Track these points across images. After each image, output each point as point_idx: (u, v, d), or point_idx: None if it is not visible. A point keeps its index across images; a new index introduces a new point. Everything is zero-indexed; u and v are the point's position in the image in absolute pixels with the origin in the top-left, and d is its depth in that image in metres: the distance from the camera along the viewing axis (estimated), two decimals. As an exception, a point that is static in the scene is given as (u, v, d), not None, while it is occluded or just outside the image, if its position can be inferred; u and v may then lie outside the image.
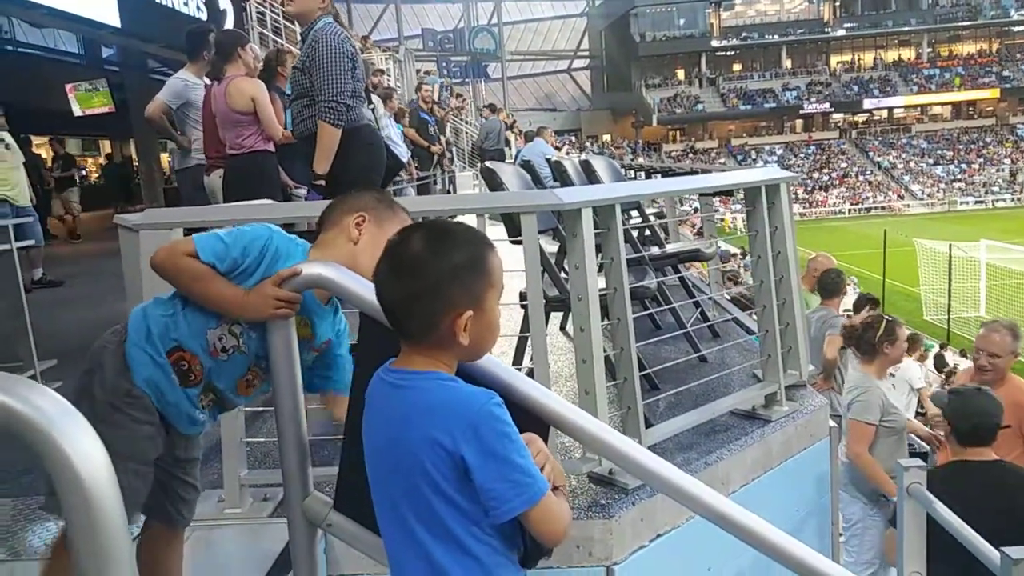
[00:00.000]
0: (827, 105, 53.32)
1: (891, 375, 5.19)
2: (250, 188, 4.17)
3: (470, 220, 2.23)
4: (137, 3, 8.58)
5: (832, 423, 3.55)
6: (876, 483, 4.04)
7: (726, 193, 4.83)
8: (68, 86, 12.54)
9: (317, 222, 1.74)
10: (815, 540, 3.31)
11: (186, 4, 9.38)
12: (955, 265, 20.30)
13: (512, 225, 2.78)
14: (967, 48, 55.69)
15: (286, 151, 4.63)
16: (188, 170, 5.32)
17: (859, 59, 56.13)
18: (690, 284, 4.72)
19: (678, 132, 57.18)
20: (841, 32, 55.18)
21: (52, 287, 6.84)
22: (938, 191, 47.80)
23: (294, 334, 1.60)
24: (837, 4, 55.45)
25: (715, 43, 55.71)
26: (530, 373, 2.49)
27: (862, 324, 4.42)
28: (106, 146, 21.95)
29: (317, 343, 1.71)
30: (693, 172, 6.37)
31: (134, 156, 15.88)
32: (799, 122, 55.76)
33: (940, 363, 14.12)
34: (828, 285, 5.58)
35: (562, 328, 4.37)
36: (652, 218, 5.32)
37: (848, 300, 7.18)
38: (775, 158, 51.23)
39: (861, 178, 49.91)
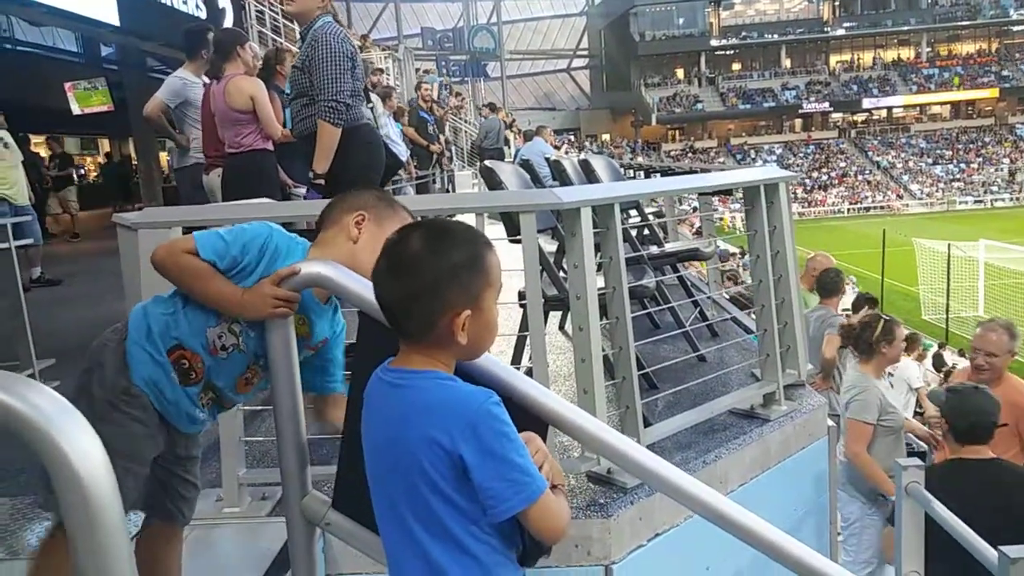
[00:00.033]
0: (826, 104, 53.37)
1: (889, 375, 5.20)
2: (249, 187, 4.16)
3: (469, 219, 2.24)
4: (136, 1, 8.56)
5: (831, 422, 3.56)
6: (874, 482, 4.05)
7: (725, 192, 4.83)
8: (67, 85, 12.54)
9: (317, 221, 1.74)
10: (813, 539, 3.31)
11: (185, 2, 9.37)
12: (954, 265, 20.31)
13: (511, 224, 2.79)
14: (966, 48, 55.73)
15: (285, 150, 4.63)
16: (186, 169, 5.32)
17: (858, 59, 56.16)
18: (689, 283, 4.72)
19: (677, 131, 57.19)
20: (840, 32, 55.21)
21: (50, 286, 6.83)
22: (937, 191, 47.83)
23: (293, 333, 1.60)
24: (836, 3, 55.49)
25: (714, 42, 55.73)
26: (529, 372, 2.49)
27: (860, 324, 4.42)
28: (105, 145, 21.92)
29: (313, 341, 1.71)
30: (692, 171, 6.37)
31: (133, 155, 15.86)
32: (798, 121, 55.80)
33: (939, 363, 14.12)
34: (827, 284, 5.58)
35: (561, 327, 4.37)
36: (651, 217, 5.33)
37: (847, 300, 7.19)
38: (774, 157, 51.25)
39: (860, 177, 49.94)
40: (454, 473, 1.18)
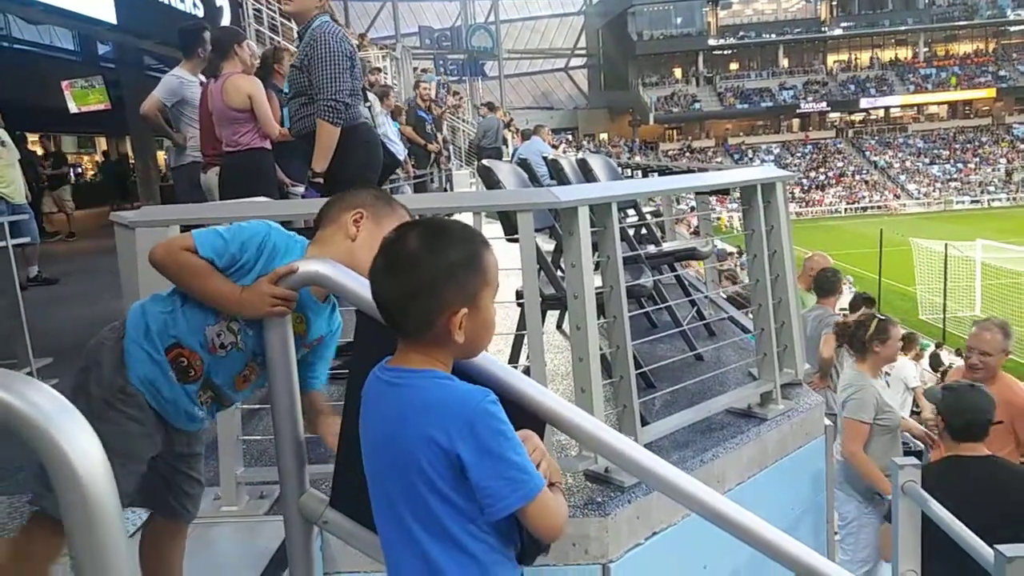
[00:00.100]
0: (824, 104, 53.43)
1: (887, 374, 5.20)
2: (247, 185, 4.16)
3: (467, 218, 2.24)
4: (133, 0, 8.56)
5: (828, 422, 3.56)
6: (871, 481, 4.06)
7: (722, 192, 4.84)
8: (64, 83, 12.52)
9: (315, 219, 1.74)
10: (810, 538, 3.31)
11: (182, 1, 9.35)
12: (951, 264, 20.32)
13: (509, 223, 2.79)
14: (963, 48, 55.83)
15: (283, 149, 4.63)
16: (184, 167, 5.32)
17: (856, 58, 56.24)
18: (686, 283, 4.73)
19: (675, 131, 57.24)
20: (838, 31, 55.28)
21: (47, 285, 6.82)
22: (934, 190, 47.91)
23: (291, 332, 1.60)
24: (834, 3, 55.57)
25: (712, 42, 55.77)
26: (527, 371, 2.49)
27: (854, 322, 4.44)
28: (102, 143, 21.91)
29: (309, 339, 1.72)
30: (689, 171, 6.37)
31: (130, 153, 15.84)
32: (796, 121, 55.86)
33: (936, 362, 14.14)
34: (824, 284, 5.59)
35: (558, 326, 4.38)
36: (649, 217, 5.33)
37: (844, 299, 7.20)
38: (772, 157, 51.30)
39: (857, 177, 50.00)
40: (452, 472, 1.19)
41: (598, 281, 2.62)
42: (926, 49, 55.42)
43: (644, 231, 4.80)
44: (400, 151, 8.55)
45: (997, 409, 3.29)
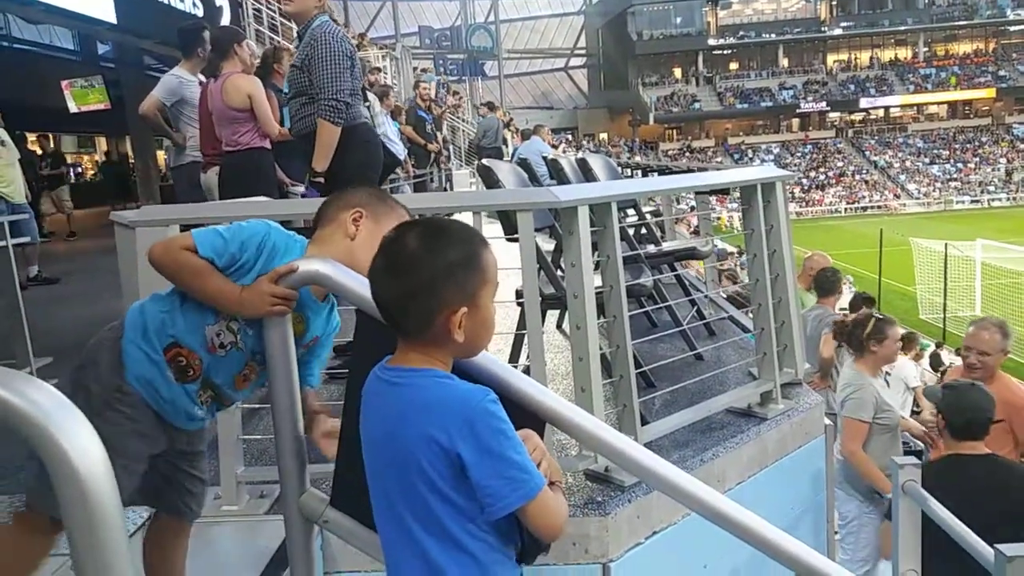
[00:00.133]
0: (824, 104, 53.44)
1: (887, 374, 5.20)
2: (246, 185, 4.16)
3: (467, 218, 2.24)
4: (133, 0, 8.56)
5: (828, 421, 3.56)
6: (870, 480, 4.06)
7: (722, 192, 4.84)
8: (64, 82, 12.52)
9: (314, 219, 1.74)
10: (810, 537, 3.32)
11: (182, 0, 9.36)
12: (951, 264, 20.32)
13: (508, 223, 2.79)
14: (963, 47, 55.83)
15: (283, 148, 4.63)
16: (183, 167, 5.32)
17: (855, 58, 56.25)
18: (686, 282, 4.73)
19: (675, 131, 57.24)
20: (838, 31, 55.28)
21: (48, 284, 6.82)
22: (934, 190, 47.92)
23: (291, 331, 1.60)
24: (834, 3, 55.57)
25: (712, 42, 55.77)
26: (527, 370, 2.49)
27: (852, 321, 4.45)
28: (102, 143, 21.91)
29: (307, 339, 1.71)
30: (689, 171, 6.37)
31: (130, 153, 15.84)
32: (796, 121, 55.87)
33: (936, 362, 14.14)
34: (824, 284, 5.60)
35: (558, 326, 4.38)
36: (649, 216, 5.33)
37: (844, 299, 7.20)
38: (772, 157, 51.30)
39: (857, 177, 50.01)
40: (452, 471, 1.19)
41: (598, 281, 2.63)
42: (926, 49, 55.42)
43: (644, 231, 4.80)
44: (400, 151, 8.55)
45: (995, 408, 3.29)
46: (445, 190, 11.33)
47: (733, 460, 2.91)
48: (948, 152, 51.37)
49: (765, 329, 3.22)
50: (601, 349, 2.59)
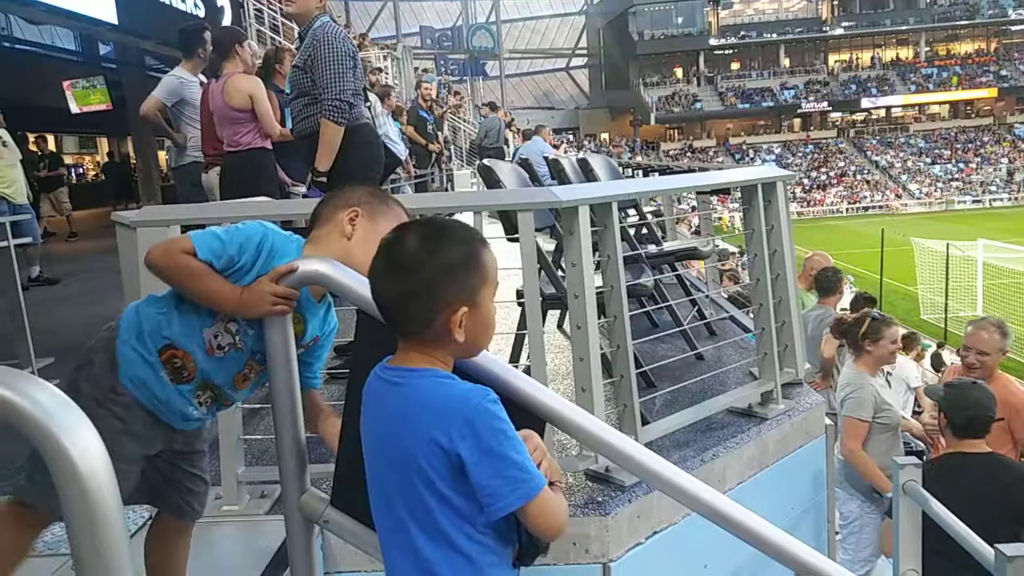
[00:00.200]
0: (825, 104, 53.40)
1: (888, 374, 5.20)
2: (248, 185, 4.17)
3: (467, 218, 2.24)
4: (134, 0, 8.56)
5: (828, 421, 3.56)
6: (870, 479, 4.05)
7: (723, 192, 4.84)
8: (65, 83, 12.53)
9: (310, 218, 1.73)
10: (811, 537, 3.32)
11: (183, 1, 9.36)
12: (952, 264, 20.31)
13: (509, 223, 2.79)
14: (965, 47, 55.77)
15: (283, 148, 4.64)
16: (184, 167, 5.33)
17: (857, 58, 56.19)
18: (687, 282, 4.73)
19: (676, 131, 57.21)
20: (839, 31, 55.24)
21: (49, 285, 6.83)
22: (936, 190, 47.87)
23: (291, 331, 1.60)
24: (835, 3, 55.53)
25: (713, 41, 55.73)
26: (527, 370, 2.49)
27: (850, 320, 4.46)
28: (103, 144, 21.92)
29: (305, 339, 1.71)
30: (690, 170, 6.37)
31: (132, 154, 15.85)
32: (797, 121, 55.83)
33: (937, 362, 14.13)
34: (825, 284, 5.59)
35: (559, 326, 4.38)
36: (649, 216, 5.33)
37: (845, 299, 7.19)
38: (773, 157, 51.28)
39: (859, 177, 49.97)
40: (451, 471, 1.19)
41: (598, 281, 2.63)
42: (927, 49, 55.37)
43: (645, 231, 4.80)
44: (401, 151, 8.56)
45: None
46: (446, 190, 11.34)
47: (733, 460, 2.91)
48: (950, 152, 51.32)
49: (766, 329, 3.22)
50: (602, 349, 2.59)
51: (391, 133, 8.08)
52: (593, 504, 2.45)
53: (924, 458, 4.44)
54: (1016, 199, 45.23)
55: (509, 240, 2.68)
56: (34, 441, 0.86)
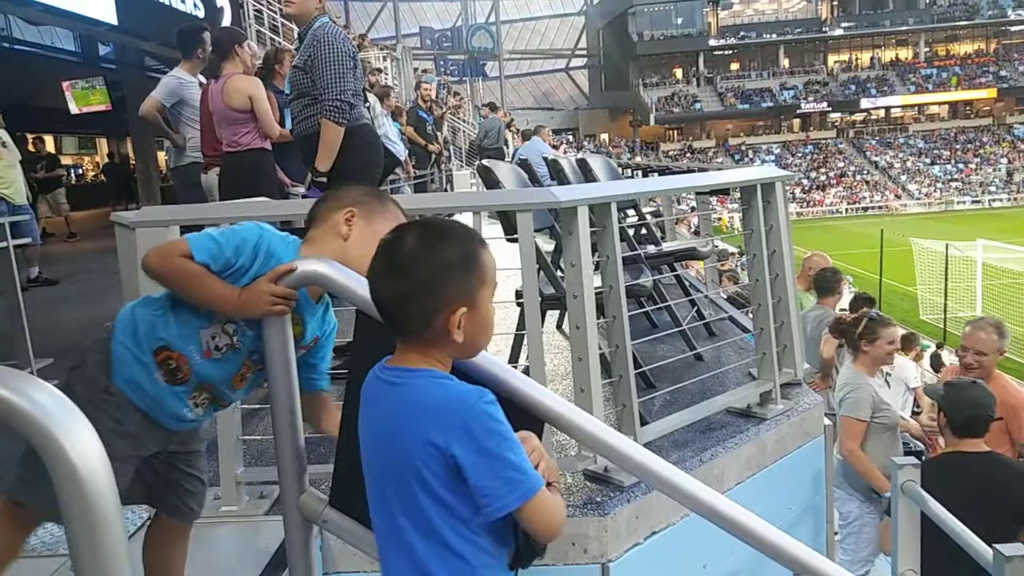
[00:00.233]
0: (824, 104, 53.38)
1: (887, 374, 5.20)
2: (247, 186, 4.17)
3: (467, 218, 2.24)
4: (134, 1, 8.56)
5: (827, 421, 3.56)
6: (869, 479, 4.06)
7: (723, 192, 4.85)
8: (65, 84, 12.53)
9: (306, 219, 1.73)
10: (810, 537, 3.32)
11: (183, 1, 9.36)
12: (952, 265, 20.31)
13: (508, 223, 2.79)
14: (964, 48, 55.79)
15: (283, 149, 4.64)
16: (183, 168, 5.33)
17: (856, 59, 56.20)
18: (686, 283, 4.73)
19: (676, 131, 57.20)
20: (839, 32, 55.22)
21: (48, 285, 6.83)
22: (935, 191, 47.88)
23: (290, 331, 1.60)
24: (835, 3, 55.52)
25: (713, 42, 55.73)
26: (526, 371, 2.49)
27: (848, 320, 4.46)
28: (103, 145, 21.92)
29: (305, 340, 1.71)
30: (690, 171, 6.37)
31: (131, 154, 15.84)
32: (796, 121, 55.82)
33: (937, 363, 14.13)
34: (824, 284, 5.59)
35: (558, 326, 4.38)
36: (649, 217, 5.34)
37: (844, 300, 7.19)
38: (772, 157, 51.27)
39: (858, 178, 49.98)
40: (447, 472, 1.19)
41: (598, 281, 2.63)
42: (927, 49, 55.37)
43: (644, 231, 4.80)
44: (401, 151, 8.56)
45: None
46: (445, 191, 11.34)
47: (732, 460, 2.91)
48: (949, 152, 51.33)
49: (764, 329, 3.22)
50: (601, 349, 2.59)
51: (390, 134, 8.08)
52: (592, 504, 2.45)
53: (923, 458, 4.44)
54: (1015, 199, 45.23)
55: (508, 240, 2.68)
56: (33, 441, 0.86)
